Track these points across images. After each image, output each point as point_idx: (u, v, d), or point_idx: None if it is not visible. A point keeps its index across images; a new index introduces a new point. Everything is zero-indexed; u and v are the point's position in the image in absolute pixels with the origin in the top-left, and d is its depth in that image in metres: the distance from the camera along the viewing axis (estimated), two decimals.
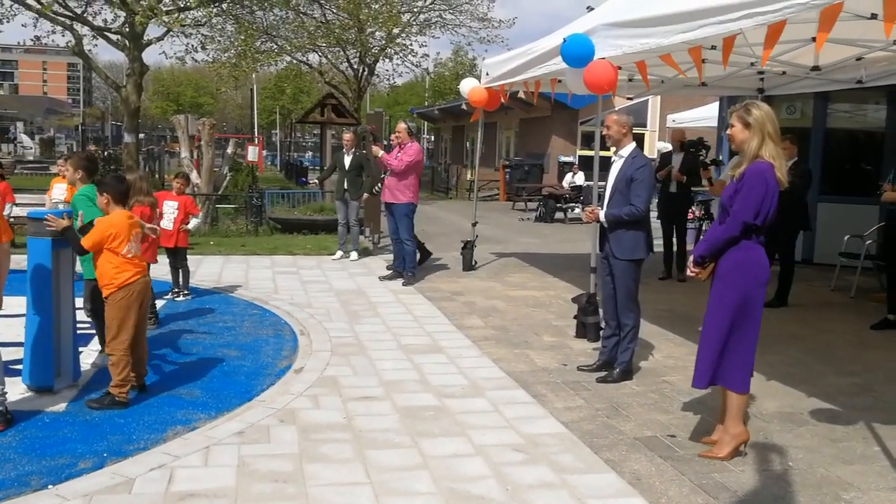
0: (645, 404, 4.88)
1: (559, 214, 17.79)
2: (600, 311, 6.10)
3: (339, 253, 10.53)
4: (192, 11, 17.74)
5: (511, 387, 5.16)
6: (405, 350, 6.02)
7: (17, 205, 10.42)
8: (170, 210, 7.62)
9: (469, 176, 26.54)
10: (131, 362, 4.62)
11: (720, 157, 11.44)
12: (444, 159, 36.60)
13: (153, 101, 67.33)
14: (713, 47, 5.57)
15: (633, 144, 5.32)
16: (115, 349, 4.56)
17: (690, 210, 10.22)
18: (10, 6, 17.17)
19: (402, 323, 6.94)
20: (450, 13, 24.82)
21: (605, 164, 5.75)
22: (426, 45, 49.69)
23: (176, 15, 16.67)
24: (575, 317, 6.59)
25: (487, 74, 9.41)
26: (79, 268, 5.32)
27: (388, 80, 28.72)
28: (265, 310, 7.40)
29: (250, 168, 19.05)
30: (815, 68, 6.98)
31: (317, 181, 14.04)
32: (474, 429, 4.35)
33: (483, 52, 30.80)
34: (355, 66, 24.87)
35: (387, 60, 24.88)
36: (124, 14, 16.55)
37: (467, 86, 9.71)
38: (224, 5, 19.12)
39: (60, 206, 6.07)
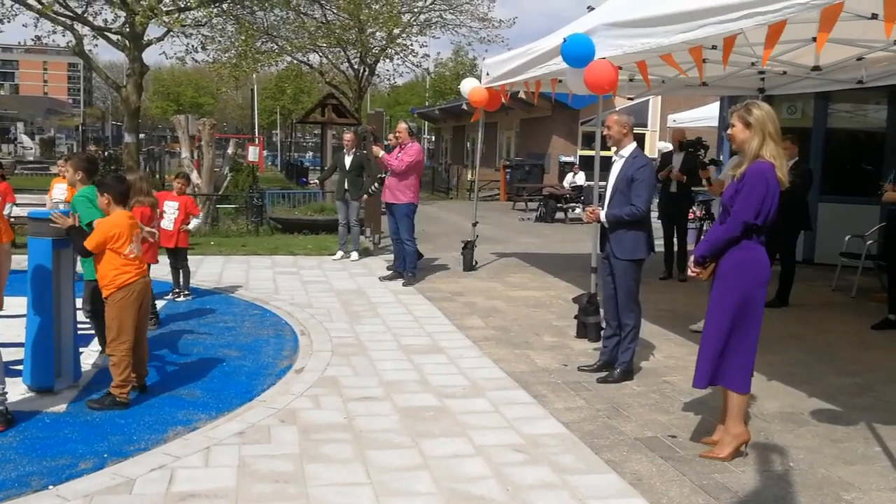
0: (646, 404, 4.87)
1: (560, 214, 17.78)
2: (601, 311, 6.09)
3: (340, 253, 10.53)
4: (192, 12, 17.73)
5: (511, 387, 5.16)
6: (406, 350, 6.02)
7: (17, 205, 10.43)
8: (170, 210, 7.61)
9: (469, 176, 26.54)
10: (132, 363, 4.62)
11: (720, 158, 11.43)
12: (445, 159, 36.60)
13: (153, 102, 67.34)
14: (714, 47, 5.57)
15: (634, 144, 5.32)
16: (115, 350, 4.56)
17: (691, 210, 10.22)
18: (11, 6, 17.17)
19: (402, 323, 6.94)
20: (450, 13, 24.85)
21: (606, 164, 5.75)
22: (426, 46, 49.80)
23: (176, 15, 16.66)
24: (575, 317, 6.59)
25: (488, 74, 9.41)
26: (79, 268, 5.32)
27: (388, 80, 28.74)
28: (266, 310, 7.40)
29: (251, 168, 19.05)
30: (816, 68, 6.98)
31: (317, 181, 14.04)
32: (475, 429, 4.35)
33: (483, 52, 30.88)
34: (356, 67, 24.88)
35: (387, 60, 24.92)
36: (125, 14, 16.55)
37: (468, 86, 9.71)
38: (224, 5, 19.11)
39: (61, 207, 6.07)
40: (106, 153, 23.44)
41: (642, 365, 5.71)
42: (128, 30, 16.77)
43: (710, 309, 4.01)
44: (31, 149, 50.05)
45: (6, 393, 4.20)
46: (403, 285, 8.73)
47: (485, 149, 26.46)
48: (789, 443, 4.27)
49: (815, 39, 5.16)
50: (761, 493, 3.64)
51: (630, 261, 5.24)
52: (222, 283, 8.68)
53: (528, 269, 10.22)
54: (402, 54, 24.36)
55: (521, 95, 9.05)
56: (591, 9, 7.78)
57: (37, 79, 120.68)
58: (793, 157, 7.43)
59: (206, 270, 9.38)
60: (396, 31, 23.29)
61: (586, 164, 20.72)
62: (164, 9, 16.38)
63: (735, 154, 7.03)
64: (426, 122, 45.11)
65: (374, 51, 24.03)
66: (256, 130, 43.60)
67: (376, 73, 25.69)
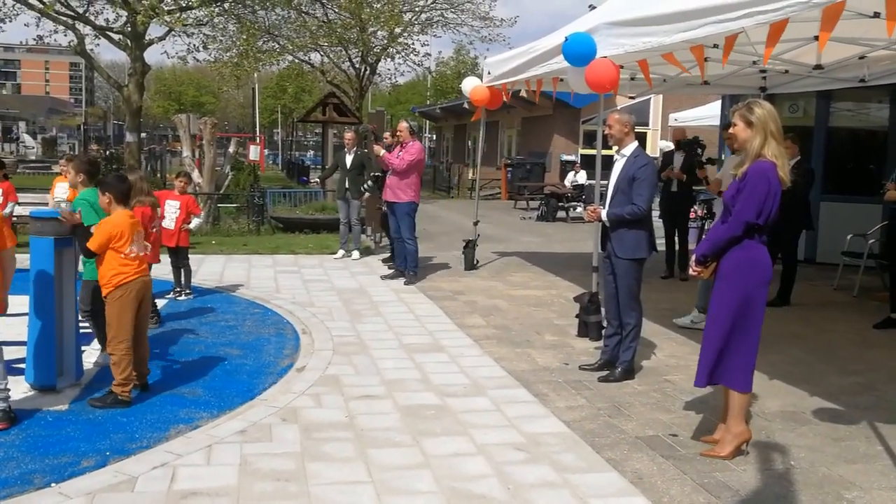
0: (647, 403, 4.87)
1: (561, 213, 17.77)
2: (602, 310, 6.09)
3: (341, 252, 10.54)
4: (193, 11, 17.76)
5: (512, 386, 5.16)
6: (407, 349, 6.03)
7: (19, 204, 10.43)
8: (172, 209, 7.62)
9: (471, 175, 26.53)
10: (132, 361, 4.63)
11: (722, 157, 11.42)
12: (446, 158, 36.60)
13: (155, 101, 67.33)
14: (715, 46, 5.57)
15: (636, 143, 5.32)
16: (115, 349, 4.58)
17: (692, 209, 10.21)
18: (13, 6, 17.19)
19: (403, 322, 6.94)
20: (451, 12, 24.83)
21: (608, 163, 5.75)
22: (428, 45, 49.89)
23: (178, 14, 16.69)
24: (577, 316, 6.59)
25: (489, 73, 9.41)
26: (80, 267, 5.32)
27: (389, 79, 28.76)
28: (267, 309, 7.41)
29: (252, 167, 19.07)
30: (818, 67, 6.96)
31: (318, 180, 14.05)
32: (476, 428, 4.35)
33: (485, 50, 30.91)
34: (357, 66, 24.87)
35: (388, 59, 24.90)
36: (126, 14, 16.57)
37: (469, 85, 9.72)
38: (226, 5, 19.13)
39: (63, 206, 6.08)
40: (108, 152, 23.46)
41: (643, 364, 5.71)
42: (129, 29, 16.79)
43: (711, 308, 4.01)
44: (33, 148, 50.12)
45: (8, 390, 4.21)
46: (405, 284, 8.73)
47: (486, 147, 26.46)
48: (790, 441, 4.27)
49: (817, 38, 5.16)
50: (762, 491, 3.64)
51: (631, 260, 5.24)
52: (223, 282, 8.68)
53: (530, 268, 10.22)
54: (403, 53, 24.36)
55: (523, 94, 9.03)
56: (592, 8, 7.77)
57: (39, 78, 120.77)
58: (794, 157, 7.42)
59: (208, 269, 9.38)
60: (398, 29, 23.28)
61: (588, 163, 20.71)
62: (166, 8, 16.40)
63: (733, 153, 7.06)
64: (427, 121, 45.12)
65: (375, 50, 24.03)
66: (258, 129, 43.63)
67: (377, 72, 25.69)
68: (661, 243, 7.55)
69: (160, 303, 7.23)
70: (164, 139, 55.57)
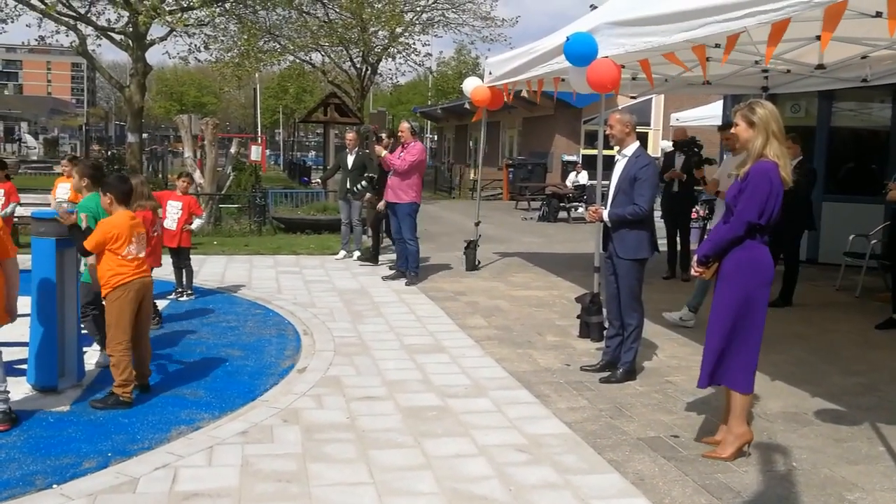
0: (648, 404, 4.87)
1: (562, 214, 17.77)
2: (604, 310, 6.09)
3: (343, 252, 10.54)
4: (195, 11, 17.75)
5: (514, 387, 5.16)
6: (408, 350, 6.02)
7: (21, 204, 10.44)
8: (173, 210, 7.62)
9: (472, 175, 26.55)
10: (132, 361, 4.63)
11: (725, 157, 11.41)
12: (448, 158, 36.59)
13: (156, 101, 67.40)
14: (717, 45, 5.56)
15: (637, 143, 5.31)
16: (114, 350, 4.58)
17: (694, 209, 10.20)
18: (15, 6, 17.21)
19: (404, 323, 6.94)
20: (453, 12, 24.83)
21: (609, 163, 5.75)
22: (429, 45, 49.88)
23: (179, 15, 16.69)
24: (578, 316, 6.58)
25: (490, 73, 9.40)
26: (82, 267, 5.32)
27: (390, 79, 28.72)
28: (268, 309, 7.41)
29: (254, 167, 19.09)
30: (820, 67, 6.95)
31: (319, 181, 14.07)
32: (477, 429, 4.35)
33: (486, 51, 30.89)
34: (358, 66, 24.89)
35: (390, 60, 24.93)
36: (128, 14, 16.57)
37: (470, 85, 9.72)
38: (227, 5, 19.14)
39: (65, 206, 6.07)
40: (109, 153, 23.49)
41: (645, 365, 5.70)
42: (131, 30, 16.80)
43: (713, 308, 4.00)
44: (35, 148, 50.18)
45: (8, 392, 4.21)
46: (406, 285, 8.73)
47: (487, 148, 26.46)
48: (792, 443, 4.27)
49: (819, 38, 5.15)
50: (764, 493, 3.64)
51: (633, 260, 5.24)
52: (225, 282, 8.69)
53: (531, 269, 10.21)
54: (404, 53, 24.37)
55: (524, 94, 9.04)
56: (593, 7, 7.76)
57: (40, 79, 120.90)
58: (796, 156, 7.41)
59: (209, 270, 9.39)
60: (399, 29, 23.29)
61: (589, 164, 20.70)
62: (167, 8, 16.40)
63: (729, 152, 7.05)
64: (429, 122, 45.11)
65: (376, 50, 24.03)
66: (259, 130, 43.62)
67: (379, 72, 25.70)
68: (662, 244, 7.54)
69: (162, 303, 7.23)
70: (166, 140, 55.60)
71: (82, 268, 5.28)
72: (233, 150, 16.87)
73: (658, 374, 5.54)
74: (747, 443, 4.04)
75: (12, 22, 17.71)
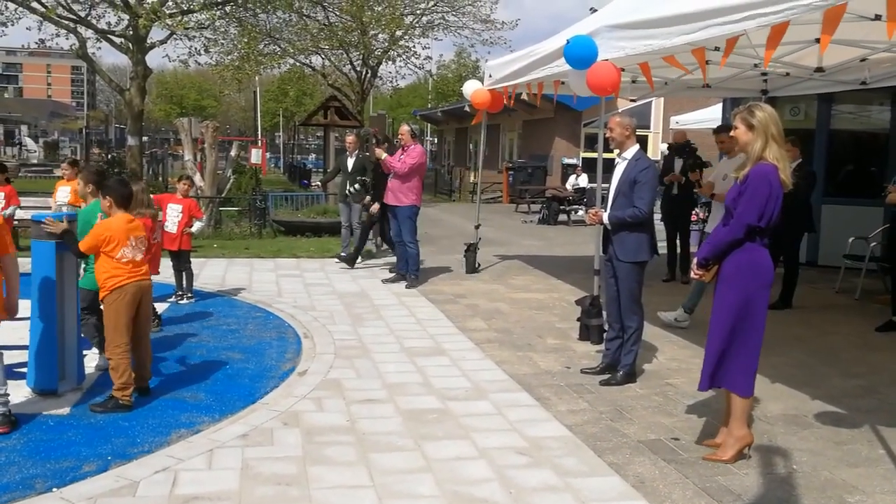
0: (649, 407, 4.87)
1: (562, 217, 17.78)
2: (604, 313, 6.09)
3: (344, 254, 10.53)
4: (195, 14, 17.77)
5: (514, 389, 5.16)
6: (408, 353, 6.02)
7: (21, 208, 10.45)
8: (174, 213, 7.63)
9: (472, 178, 26.55)
10: (131, 364, 4.62)
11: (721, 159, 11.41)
12: (448, 161, 36.60)
13: (157, 104, 67.40)
14: (717, 48, 5.57)
15: (637, 146, 5.31)
16: (112, 353, 4.58)
17: (693, 212, 10.21)
18: (15, 9, 17.22)
19: (405, 325, 6.94)
20: (452, 15, 24.84)
21: (609, 165, 5.75)
22: (429, 48, 49.86)
23: (179, 18, 16.71)
24: (578, 319, 6.58)
25: (490, 76, 9.41)
26: (81, 271, 5.32)
27: (391, 82, 28.75)
28: (269, 312, 7.41)
29: (254, 171, 19.10)
30: (819, 69, 6.97)
31: (318, 183, 14.08)
32: (477, 432, 4.35)
33: (486, 53, 30.90)
34: (358, 69, 24.90)
35: (390, 62, 24.92)
36: (128, 17, 16.60)
37: (470, 88, 9.72)
38: (227, 8, 19.15)
39: (64, 209, 6.07)
40: (109, 156, 23.51)
41: (645, 367, 5.70)
42: (131, 33, 16.82)
43: (713, 311, 4.00)
44: (35, 152, 50.23)
45: (8, 395, 4.21)
46: (406, 287, 8.73)
47: (487, 151, 26.47)
48: (792, 445, 4.26)
49: (818, 41, 5.15)
50: (764, 495, 3.63)
51: (633, 263, 5.24)
52: (225, 285, 8.69)
53: (531, 272, 10.21)
54: (404, 56, 24.38)
55: (524, 97, 9.06)
56: (593, 10, 7.79)
57: (40, 82, 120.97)
58: (795, 159, 7.42)
59: (209, 273, 9.39)
60: (399, 32, 23.30)
61: (589, 166, 20.71)
62: (167, 11, 16.42)
63: (724, 156, 7.06)
64: (429, 125, 45.10)
65: (376, 53, 24.04)
66: (259, 133, 43.63)
67: (379, 75, 25.71)
68: (662, 246, 7.55)
69: (162, 306, 7.23)
70: (166, 143, 55.63)
71: (81, 272, 5.29)
72: (233, 153, 16.90)
73: (658, 376, 5.53)
74: (748, 445, 4.04)
75: (12, 25, 17.75)
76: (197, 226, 7.91)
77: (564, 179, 21.42)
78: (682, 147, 9.31)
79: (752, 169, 3.83)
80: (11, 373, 4.57)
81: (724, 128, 6.99)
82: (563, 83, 7.65)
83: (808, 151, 8.97)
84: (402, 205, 8.79)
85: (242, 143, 24.63)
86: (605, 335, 5.80)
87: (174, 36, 17.62)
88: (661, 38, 5.29)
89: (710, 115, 14.68)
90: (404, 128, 9.08)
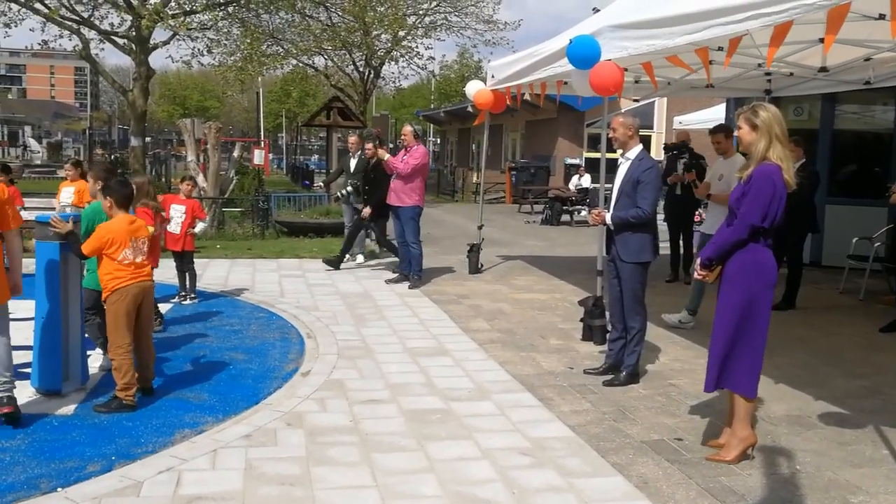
0: (652, 408, 4.86)
1: (565, 217, 17.78)
2: (607, 313, 6.09)
3: (346, 256, 10.53)
4: (198, 15, 17.81)
5: (517, 390, 5.16)
6: (411, 353, 6.02)
7: (25, 208, 10.47)
8: (177, 214, 7.64)
9: (475, 178, 26.56)
10: (133, 365, 4.63)
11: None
12: (450, 162, 36.62)
13: (159, 105, 67.50)
14: (720, 49, 5.56)
15: (640, 147, 5.31)
16: (115, 354, 4.59)
17: (697, 212, 10.19)
18: (18, 10, 17.27)
19: (408, 326, 6.94)
20: (455, 15, 24.88)
21: (612, 166, 5.75)
22: (432, 48, 49.87)
23: (182, 19, 16.76)
24: (581, 320, 6.58)
25: (493, 77, 9.41)
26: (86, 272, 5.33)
27: (393, 82, 28.82)
28: (272, 313, 7.41)
29: (256, 171, 19.12)
30: (823, 69, 6.96)
31: (321, 185, 14.09)
32: (481, 432, 4.35)
33: (488, 54, 30.89)
34: (361, 69, 24.93)
35: (392, 63, 24.97)
36: (131, 18, 16.64)
37: (473, 88, 9.73)
38: (230, 9, 19.19)
39: (68, 210, 6.10)
40: (112, 157, 23.54)
41: (648, 368, 5.70)
42: (134, 33, 16.87)
43: (717, 312, 4.00)
44: (39, 152, 50.38)
45: (13, 380, 4.21)
46: (409, 288, 8.73)
47: (490, 151, 26.47)
48: (796, 446, 4.26)
49: (822, 40, 5.15)
50: (768, 496, 3.63)
51: (636, 263, 5.23)
52: (228, 286, 8.70)
53: (534, 272, 10.21)
54: (407, 57, 24.42)
55: (527, 97, 9.07)
56: (596, 10, 7.79)
57: (44, 83, 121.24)
58: (799, 159, 7.41)
59: (212, 273, 9.40)
60: (401, 33, 23.34)
61: (592, 167, 20.71)
62: (170, 12, 16.46)
63: (720, 156, 7.06)
64: (431, 125, 45.15)
65: (379, 53, 24.07)
66: (262, 133, 43.71)
67: (381, 75, 25.76)
68: (665, 246, 7.55)
69: (165, 307, 7.25)
70: (169, 143, 55.74)
71: (84, 272, 5.30)
72: (236, 153, 16.89)
73: (661, 377, 5.53)
74: (751, 446, 4.03)
75: (16, 26, 17.81)
76: (200, 227, 7.92)
77: (567, 180, 21.41)
78: (676, 147, 9.30)
79: (755, 169, 3.83)
80: (16, 373, 4.57)
81: (720, 128, 6.97)
82: (566, 83, 7.66)
83: (811, 151, 8.96)
84: (405, 205, 8.79)
85: (245, 143, 24.69)
86: (608, 336, 5.80)
87: (177, 37, 17.67)
88: (664, 38, 5.29)
89: (714, 116, 14.66)
90: (407, 128, 9.08)
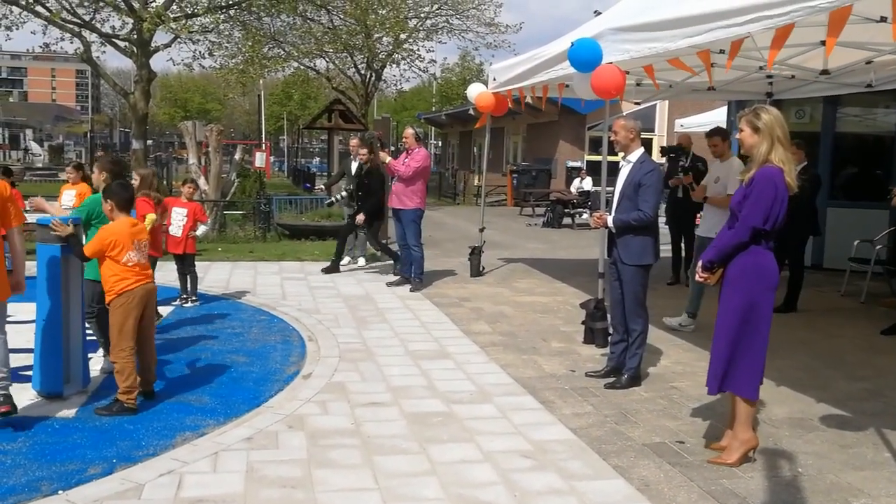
0: (653, 410, 4.86)
1: (567, 220, 17.77)
2: (608, 316, 6.08)
3: (347, 258, 10.53)
4: (199, 18, 17.85)
5: (519, 393, 5.15)
6: (413, 356, 6.02)
7: (26, 211, 10.47)
8: (179, 217, 7.64)
9: (476, 181, 26.55)
10: (136, 368, 4.63)
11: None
12: (452, 165, 36.65)
13: (161, 108, 67.58)
14: (722, 51, 5.56)
15: (642, 149, 5.31)
16: (117, 356, 4.58)
17: (698, 215, 10.18)
18: (20, 13, 17.30)
19: (409, 329, 6.94)
20: (457, 18, 24.92)
21: (613, 169, 5.75)
22: (433, 51, 49.97)
23: (183, 21, 16.79)
24: (583, 322, 6.58)
25: (494, 80, 9.42)
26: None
27: (395, 85, 28.95)
28: (273, 316, 7.41)
29: (258, 174, 19.12)
30: (825, 72, 6.96)
31: (322, 187, 14.12)
32: (482, 435, 4.34)
33: (490, 57, 30.91)
34: (362, 72, 24.96)
35: (394, 66, 24.99)
36: (132, 21, 16.67)
37: (474, 91, 9.73)
38: (231, 11, 19.22)
39: (69, 213, 6.09)
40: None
41: (650, 371, 5.69)
42: (135, 36, 16.89)
43: (718, 314, 3.99)
44: (40, 155, 50.47)
45: (9, 377, 4.22)
46: (411, 291, 8.73)
47: (491, 154, 26.44)
48: (798, 448, 4.25)
49: (823, 43, 5.15)
50: (769, 498, 3.62)
51: (637, 266, 5.23)
52: (230, 288, 8.70)
53: (536, 275, 10.21)
54: (408, 59, 24.44)
55: (528, 100, 9.08)
56: (597, 13, 7.79)
57: (45, 86, 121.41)
58: (800, 162, 7.40)
59: (214, 276, 9.40)
60: (403, 36, 23.36)
61: (593, 169, 20.71)
62: (172, 15, 16.49)
63: (717, 159, 7.06)
64: (433, 128, 45.19)
65: (380, 56, 24.10)
66: (263, 136, 43.74)
67: (383, 78, 25.79)
68: (667, 249, 7.54)
69: (166, 309, 7.25)
70: (170, 146, 55.84)
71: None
72: (237, 156, 16.90)
73: (663, 379, 5.52)
74: (752, 448, 4.03)
75: (17, 29, 17.83)
76: (201, 229, 7.93)
77: (569, 182, 21.42)
78: (674, 150, 9.30)
79: (757, 171, 3.83)
80: (17, 376, 4.58)
81: (716, 131, 6.96)
82: (567, 86, 7.66)
83: (813, 154, 8.95)
84: (407, 208, 8.80)
85: (246, 146, 24.69)
86: (609, 338, 5.79)
87: (178, 39, 17.70)
88: (666, 40, 5.30)
89: (715, 118, 14.65)
90: (408, 131, 9.09)
